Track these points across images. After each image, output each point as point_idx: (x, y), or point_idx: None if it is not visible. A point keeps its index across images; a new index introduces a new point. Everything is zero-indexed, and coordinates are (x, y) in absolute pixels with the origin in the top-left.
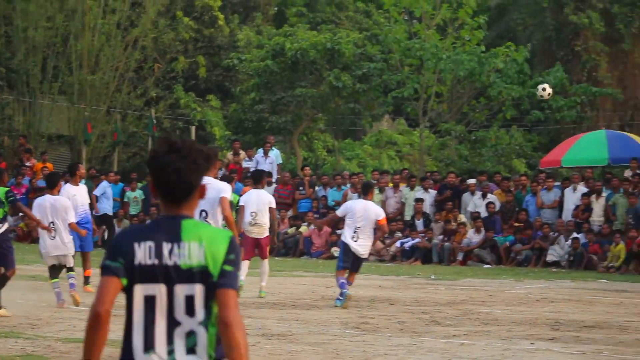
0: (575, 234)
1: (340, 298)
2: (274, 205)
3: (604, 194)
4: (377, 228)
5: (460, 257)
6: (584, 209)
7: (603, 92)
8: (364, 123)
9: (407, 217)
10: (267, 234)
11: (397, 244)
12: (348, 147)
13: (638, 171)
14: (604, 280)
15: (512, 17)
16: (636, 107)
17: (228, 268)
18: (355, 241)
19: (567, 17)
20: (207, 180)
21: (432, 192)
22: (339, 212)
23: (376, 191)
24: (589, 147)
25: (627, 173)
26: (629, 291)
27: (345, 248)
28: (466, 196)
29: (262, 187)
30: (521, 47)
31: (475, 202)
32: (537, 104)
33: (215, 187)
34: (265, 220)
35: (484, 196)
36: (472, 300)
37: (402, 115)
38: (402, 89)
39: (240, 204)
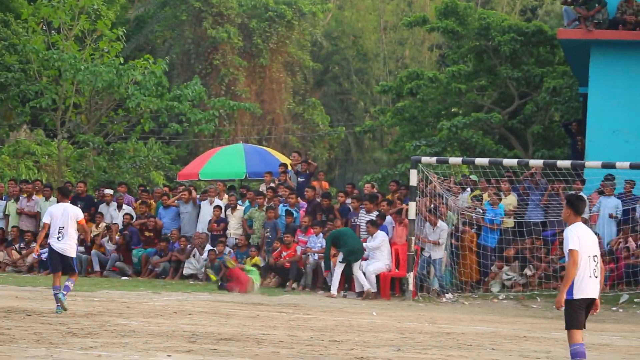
0: (209, 247)
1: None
2: None
3: (240, 207)
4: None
5: (97, 267)
6: (216, 220)
7: (241, 106)
8: (1, 133)
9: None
10: None
11: (34, 254)
12: None
13: (272, 185)
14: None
15: (150, 30)
16: (273, 122)
17: None
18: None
19: (205, 31)
20: None
21: None
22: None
23: None
24: (226, 160)
25: (263, 187)
26: (265, 304)
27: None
28: (102, 207)
29: None
30: (159, 59)
31: (111, 214)
32: (175, 117)
33: None
34: None
35: (119, 207)
36: (109, 312)
37: (40, 126)
38: (40, 99)
39: None
